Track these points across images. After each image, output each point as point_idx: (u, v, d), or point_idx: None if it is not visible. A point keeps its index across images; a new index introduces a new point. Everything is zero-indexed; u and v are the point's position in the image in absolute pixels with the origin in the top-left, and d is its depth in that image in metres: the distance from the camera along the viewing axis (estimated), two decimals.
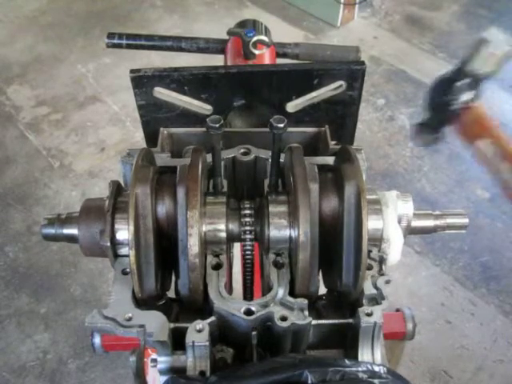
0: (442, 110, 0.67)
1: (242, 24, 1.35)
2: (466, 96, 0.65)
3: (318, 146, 1.03)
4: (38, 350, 2.19)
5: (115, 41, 1.37)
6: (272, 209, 0.81)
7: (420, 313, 2.27)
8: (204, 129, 0.79)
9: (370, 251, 0.81)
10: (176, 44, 1.37)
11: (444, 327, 2.26)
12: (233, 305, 0.75)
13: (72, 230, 0.83)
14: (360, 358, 0.78)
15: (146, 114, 1.02)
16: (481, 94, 0.66)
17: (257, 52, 1.25)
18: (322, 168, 0.83)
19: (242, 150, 0.94)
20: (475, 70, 0.63)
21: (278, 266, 0.81)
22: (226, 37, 1.34)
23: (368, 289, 0.79)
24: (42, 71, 3.49)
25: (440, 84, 0.68)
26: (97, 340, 1.11)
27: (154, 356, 0.80)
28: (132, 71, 0.97)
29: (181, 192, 0.76)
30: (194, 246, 0.74)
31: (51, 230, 0.84)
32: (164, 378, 0.74)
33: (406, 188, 2.70)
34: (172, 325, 0.75)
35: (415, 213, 0.85)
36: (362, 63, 0.98)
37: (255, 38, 1.23)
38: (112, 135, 3.07)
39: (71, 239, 0.83)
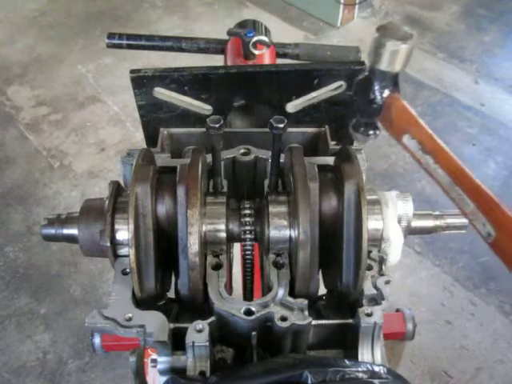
0: (368, 109, 0.68)
1: (242, 24, 1.35)
2: (386, 92, 0.65)
3: (318, 146, 1.03)
4: (38, 350, 2.19)
5: (115, 41, 1.37)
6: (272, 209, 0.81)
7: (420, 313, 2.27)
8: (204, 129, 0.79)
9: (369, 251, 0.81)
10: (176, 44, 1.37)
11: (444, 327, 2.26)
12: (233, 305, 0.75)
13: (72, 230, 0.83)
14: (360, 359, 0.78)
15: (146, 114, 1.02)
16: (398, 88, 0.66)
17: (257, 52, 1.25)
18: (322, 168, 0.83)
19: (242, 150, 0.94)
20: (384, 69, 0.64)
21: (278, 266, 0.81)
22: (226, 37, 1.34)
23: (368, 289, 0.79)
24: (42, 71, 3.49)
25: (360, 84, 0.68)
26: (97, 340, 1.12)
27: (153, 356, 0.81)
28: (132, 71, 0.97)
29: (181, 191, 0.76)
30: (193, 244, 0.74)
31: (51, 231, 0.84)
32: (164, 378, 0.74)
33: (406, 188, 2.70)
34: (172, 325, 0.75)
35: (415, 213, 0.85)
36: (362, 63, 0.98)
37: (255, 39, 1.23)
38: (112, 135, 3.07)
39: (71, 239, 0.84)
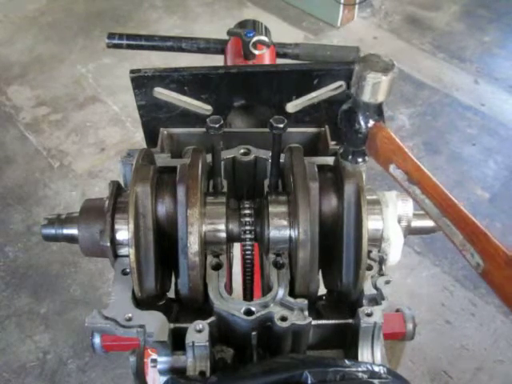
0: (354, 138, 0.68)
1: (242, 24, 1.35)
2: (370, 122, 0.65)
3: (318, 146, 1.03)
4: (38, 350, 2.19)
5: (115, 41, 1.37)
6: (272, 209, 0.81)
7: (420, 313, 2.27)
8: (204, 129, 0.79)
9: (369, 251, 0.81)
10: (176, 44, 1.37)
11: (444, 327, 2.26)
12: (233, 305, 0.75)
13: (72, 231, 0.83)
14: (360, 358, 0.78)
15: (146, 114, 1.02)
16: (383, 117, 0.66)
17: (257, 52, 1.25)
18: (322, 168, 0.83)
19: (242, 150, 0.94)
20: (367, 100, 0.64)
21: (278, 266, 0.81)
22: (226, 37, 1.34)
23: (368, 289, 0.79)
24: (42, 71, 3.49)
25: (345, 114, 0.68)
26: (97, 340, 1.12)
27: (153, 356, 0.80)
28: (132, 71, 0.97)
29: (181, 190, 0.76)
30: (193, 244, 0.74)
31: (51, 231, 0.84)
32: (164, 379, 0.74)
33: None
34: (172, 325, 0.75)
35: (415, 213, 0.85)
36: None
37: (255, 39, 1.23)
38: (112, 135, 3.07)
39: (71, 239, 0.84)
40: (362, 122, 0.66)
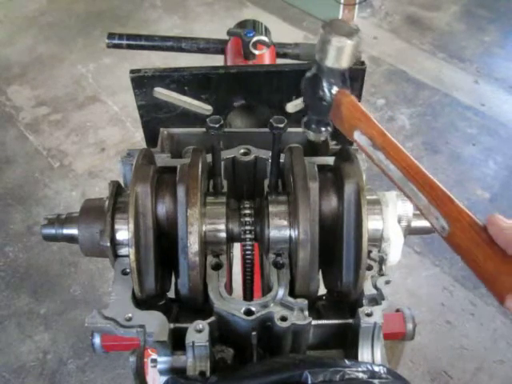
0: (318, 106, 0.67)
1: (242, 24, 1.35)
2: (334, 89, 0.64)
3: (318, 146, 1.03)
4: (38, 350, 2.19)
5: (115, 41, 1.37)
6: (272, 209, 0.81)
7: (420, 313, 2.27)
8: (204, 129, 0.79)
9: (369, 251, 0.81)
10: (176, 44, 1.37)
11: (444, 327, 2.26)
12: (233, 305, 0.75)
13: (72, 230, 0.83)
14: (360, 358, 0.78)
15: (146, 114, 1.02)
16: (347, 84, 0.65)
17: (257, 52, 1.25)
18: (322, 168, 0.83)
19: (242, 150, 0.94)
20: (331, 65, 0.63)
21: (278, 266, 0.81)
22: (226, 37, 1.34)
23: (368, 289, 0.79)
24: (42, 71, 3.49)
25: (308, 82, 0.67)
26: (97, 340, 1.12)
27: (153, 356, 0.81)
28: (132, 71, 0.97)
29: (181, 190, 0.76)
30: (193, 243, 0.74)
31: (51, 230, 0.84)
32: (164, 378, 0.74)
33: None
34: (172, 325, 0.75)
35: (415, 213, 0.85)
36: (362, 63, 0.98)
37: (255, 39, 1.23)
38: (112, 135, 3.07)
39: (71, 239, 0.84)
40: (326, 90, 0.65)
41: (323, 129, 0.71)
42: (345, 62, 0.63)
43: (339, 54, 0.62)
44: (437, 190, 0.53)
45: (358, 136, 0.60)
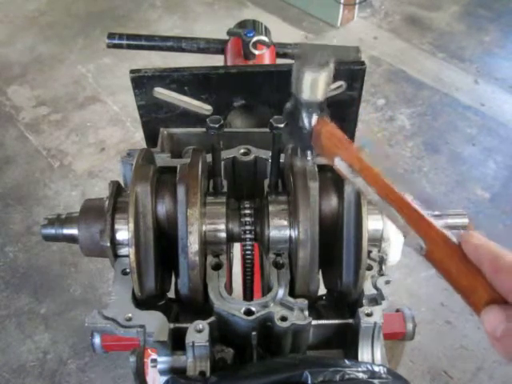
0: (299, 135, 0.69)
1: (242, 24, 1.35)
2: (313, 118, 0.66)
3: None
4: (38, 350, 2.19)
5: (116, 41, 1.37)
6: (272, 209, 0.81)
7: (420, 313, 2.27)
8: (204, 129, 0.79)
9: (369, 251, 0.81)
10: (176, 44, 1.37)
11: (444, 327, 2.26)
12: (233, 305, 0.75)
13: (72, 231, 0.83)
14: (360, 358, 0.78)
15: (146, 114, 1.02)
16: (326, 112, 0.67)
17: (257, 52, 1.25)
18: (322, 168, 0.83)
19: (242, 150, 0.94)
20: (307, 98, 0.64)
21: (277, 266, 0.81)
22: (226, 37, 1.34)
23: (368, 289, 0.79)
24: (42, 71, 3.49)
25: (288, 113, 0.69)
26: (97, 340, 1.12)
27: (153, 356, 0.81)
28: (132, 71, 0.97)
29: (181, 190, 0.76)
30: (193, 243, 0.74)
31: (51, 231, 0.84)
32: (164, 378, 0.74)
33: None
34: (172, 325, 0.75)
35: None
36: (362, 63, 0.98)
37: (255, 39, 1.23)
38: (112, 135, 3.07)
39: (71, 239, 0.84)
40: (306, 120, 0.67)
41: (308, 156, 0.72)
42: (320, 94, 0.64)
43: (313, 87, 0.63)
44: (413, 212, 0.56)
45: (338, 162, 0.62)
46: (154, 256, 0.77)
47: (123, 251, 0.80)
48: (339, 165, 0.62)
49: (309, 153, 0.70)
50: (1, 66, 3.53)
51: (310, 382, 0.67)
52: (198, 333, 0.72)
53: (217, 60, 1.39)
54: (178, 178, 0.77)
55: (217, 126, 0.77)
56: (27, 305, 2.33)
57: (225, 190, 0.86)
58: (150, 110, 1.01)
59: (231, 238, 0.83)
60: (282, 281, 0.78)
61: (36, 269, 2.46)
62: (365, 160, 0.61)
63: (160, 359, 0.77)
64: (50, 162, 2.93)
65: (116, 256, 0.81)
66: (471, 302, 0.50)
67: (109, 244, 0.78)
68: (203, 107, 1.02)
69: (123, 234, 0.78)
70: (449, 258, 0.52)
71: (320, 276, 0.85)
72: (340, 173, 0.63)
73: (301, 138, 0.69)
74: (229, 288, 0.90)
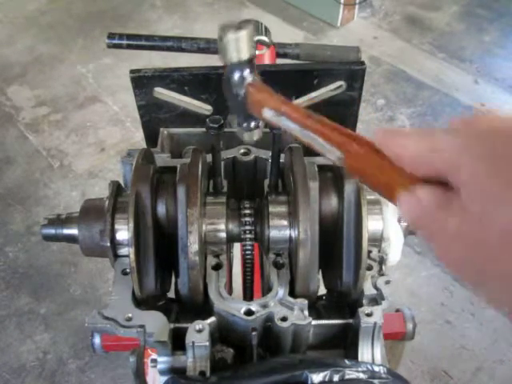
0: (237, 104, 0.70)
1: None
2: (245, 82, 0.68)
3: None
4: (38, 350, 2.19)
5: (115, 41, 1.37)
6: (272, 209, 0.81)
7: (420, 313, 2.26)
8: (204, 129, 0.79)
9: (369, 251, 0.81)
10: (176, 44, 1.37)
11: (444, 327, 2.26)
12: (233, 305, 0.75)
13: (72, 231, 0.83)
14: (360, 358, 0.78)
15: (146, 114, 1.02)
16: (255, 75, 0.68)
17: (257, 52, 1.25)
18: (322, 168, 0.83)
19: (242, 150, 0.94)
20: (234, 61, 0.66)
21: (277, 266, 0.81)
22: None
23: (368, 289, 0.79)
24: (42, 71, 3.49)
25: (224, 86, 0.71)
26: (97, 340, 1.12)
27: (153, 356, 0.81)
28: (132, 71, 0.97)
29: (181, 190, 0.76)
30: (193, 243, 0.74)
31: (51, 231, 0.84)
32: (164, 378, 0.74)
33: None
34: (172, 325, 0.75)
35: None
36: (362, 63, 0.98)
37: (255, 39, 1.23)
38: (112, 135, 3.07)
39: (71, 239, 0.84)
40: (237, 85, 0.68)
41: (252, 125, 0.73)
42: (245, 53, 0.66)
43: (238, 47, 0.65)
44: (326, 126, 0.57)
45: (265, 112, 0.64)
46: (154, 256, 0.77)
47: (123, 251, 0.80)
48: (266, 114, 0.64)
49: (252, 122, 0.72)
50: (1, 66, 3.53)
51: (309, 382, 0.67)
52: (197, 333, 0.72)
53: (217, 60, 1.39)
54: (178, 178, 0.77)
55: (217, 126, 0.77)
56: (27, 305, 2.33)
57: (225, 190, 0.86)
58: (150, 109, 1.01)
59: (231, 237, 0.83)
60: (282, 281, 0.78)
61: (36, 269, 2.46)
62: (287, 101, 0.63)
63: (160, 359, 0.77)
64: (49, 162, 2.93)
65: (116, 256, 0.81)
66: (391, 195, 0.50)
67: (109, 244, 0.78)
68: (203, 107, 1.01)
69: (123, 233, 0.78)
70: (366, 159, 0.52)
71: (320, 276, 0.85)
72: (268, 122, 0.65)
73: (238, 107, 0.70)
74: (229, 288, 0.90)
